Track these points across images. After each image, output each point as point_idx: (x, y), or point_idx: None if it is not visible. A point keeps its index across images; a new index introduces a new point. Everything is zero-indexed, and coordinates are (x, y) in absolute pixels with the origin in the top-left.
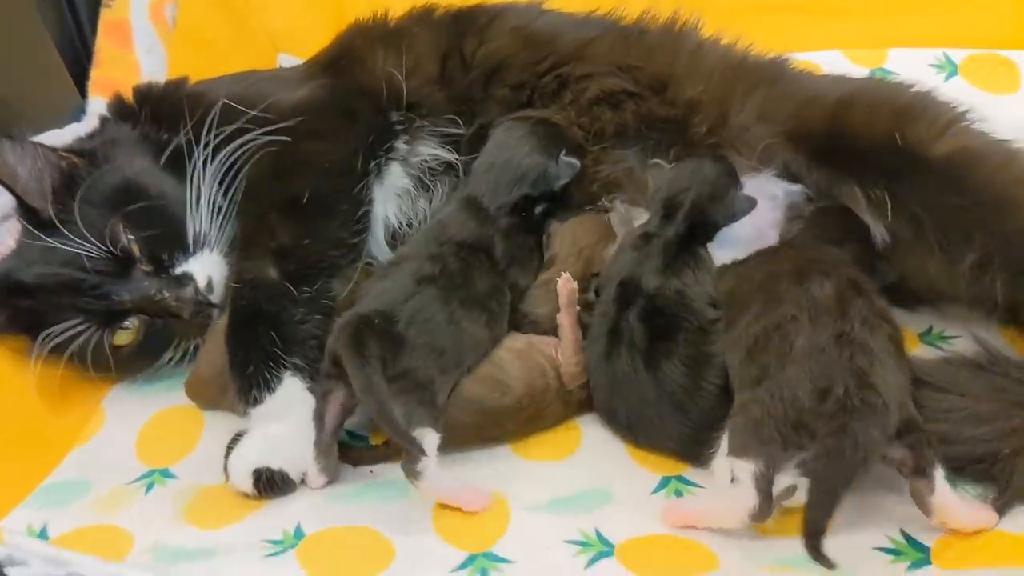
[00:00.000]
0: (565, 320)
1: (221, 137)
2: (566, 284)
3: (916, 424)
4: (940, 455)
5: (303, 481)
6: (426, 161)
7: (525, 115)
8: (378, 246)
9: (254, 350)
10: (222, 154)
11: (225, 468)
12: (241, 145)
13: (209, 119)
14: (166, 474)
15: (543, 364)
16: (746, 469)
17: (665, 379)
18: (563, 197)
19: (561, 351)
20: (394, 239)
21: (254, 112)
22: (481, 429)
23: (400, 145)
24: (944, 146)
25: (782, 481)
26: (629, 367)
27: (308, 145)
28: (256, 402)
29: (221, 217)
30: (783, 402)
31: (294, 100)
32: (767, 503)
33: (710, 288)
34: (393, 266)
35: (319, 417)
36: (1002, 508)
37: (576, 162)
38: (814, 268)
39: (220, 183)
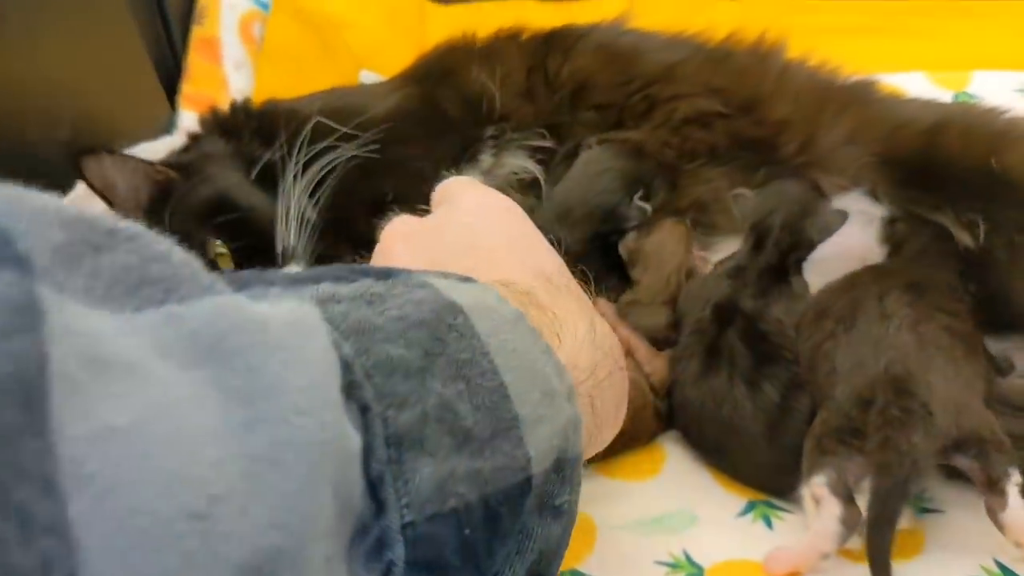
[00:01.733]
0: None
1: (313, 152)
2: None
3: (982, 432)
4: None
5: None
6: (515, 173)
7: (612, 138)
8: None
9: None
10: (313, 168)
11: None
12: (332, 160)
13: (302, 135)
14: None
15: (636, 378)
16: (821, 483)
17: (765, 402)
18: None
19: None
20: None
21: (345, 129)
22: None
23: (486, 158)
24: None
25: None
26: (727, 386)
27: (395, 150)
28: None
29: (309, 231)
30: (837, 416)
31: (384, 111)
32: (852, 507)
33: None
34: None
35: None
36: None
37: (647, 207)
38: (868, 275)
39: (310, 196)
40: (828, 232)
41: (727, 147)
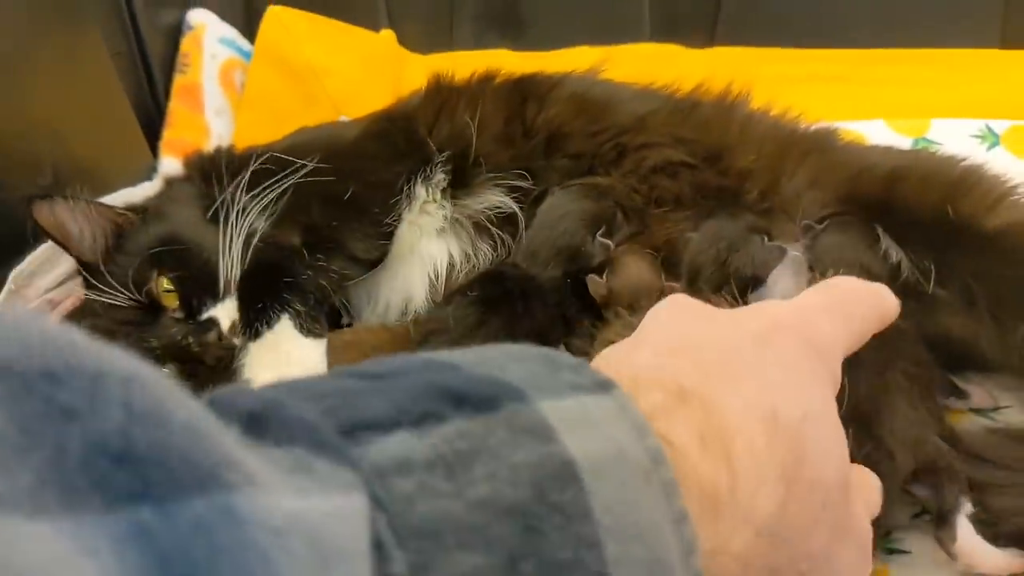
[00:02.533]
0: None
1: (257, 190)
2: None
3: (936, 463)
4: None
5: None
6: (492, 208)
7: (576, 183)
8: (430, 300)
9: (264, 293)
10: (256, 192)
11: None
12: (276, 182)
13: (251, 170)
14: None
15: None
16: None
17: None
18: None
19: None
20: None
21: (305, 161)
22: None
23: (458, 193)
24: (997, 219)
25: None
26: None
27: (359, 163)
28: (256, 335)
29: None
30: None
31: (350, 138)
32: None
33: None
34: (456, 293)
35: None
36: None
37: (609, 243)
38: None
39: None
40: (761, 267)
41: (692, 196)
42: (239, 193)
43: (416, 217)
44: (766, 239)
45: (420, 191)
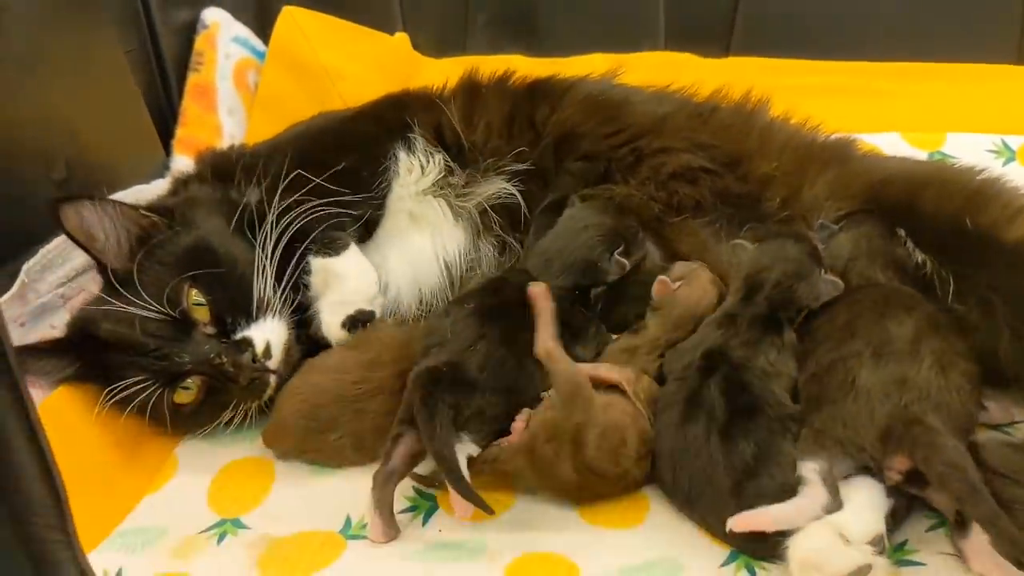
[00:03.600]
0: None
1: (288, 203)
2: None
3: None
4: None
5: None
6: (496, 196)
7: (599, 192)
8: (440, 289)
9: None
10: (288, 219)
11: (321, 332)
12: (309, 211)
13: (281, 185)
14: (238, 524)
15: (648, 428)
16: (812, 468)
17: (736, 459)
18: (620, 285)
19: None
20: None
21: (320, 180)
22: (572, 490)
23: (452, 181)
24: (1016, 231)
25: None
26: (702, 438)
27: (351, 139)
28: (306, 288)
29: (285, 283)
30: (845, 428)
31: (345, 118)
32: (836, 497)
33: (792, 372)
34: (457, 303)
35: (385, 454)
36: None
37: (626, 262)
38: (897, 303)
39: (287, 249)
40: (818, 299)
41: (712, 202)
42: (273, 206)
43: (418, 204)
44: (824, 272)
45: (403, 156)
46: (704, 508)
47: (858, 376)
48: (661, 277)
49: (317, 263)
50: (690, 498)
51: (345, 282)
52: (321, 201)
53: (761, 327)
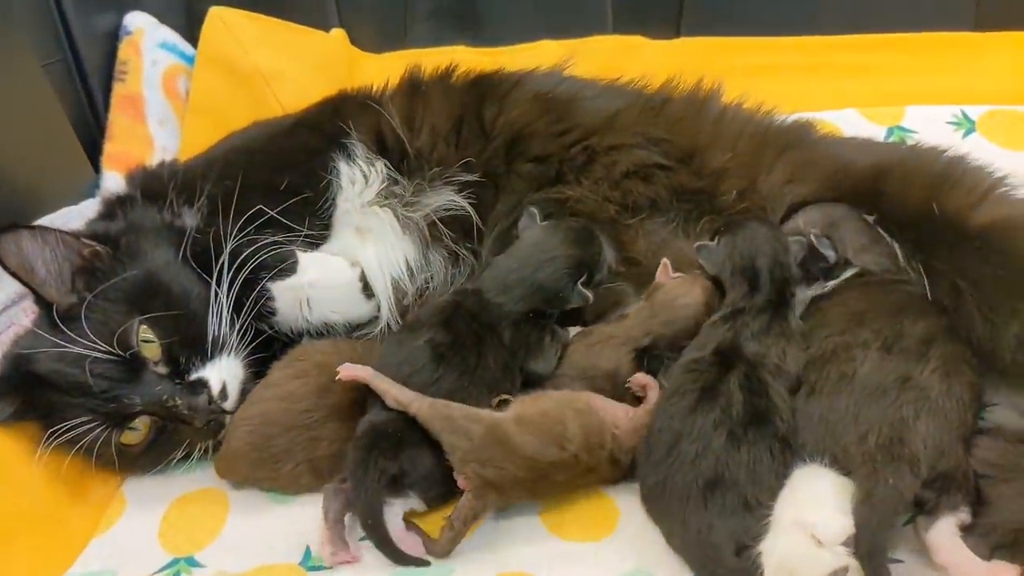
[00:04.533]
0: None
1: (243, 236)
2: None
3: (954, 474)
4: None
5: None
6: (445, 209)
7: (554, 196)
8: (391, 305)
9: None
10: (239, 249)
11: None
12: (260, 241)
13: (232, 213)
14: (191, 562)
15: (602, 429)
16: None
17: (731, 462)
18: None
19: (633, 414)
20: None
21: (263, 206)
22: (534, 484)
23: (397, 191)
24: (983, 215)
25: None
26: (710, 430)
27: (291, 156)
28: (271, 314)
29: (242, 319)
30: (825, 425)
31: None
32: None
33: (799, 368)
34: (408, 332)
35: (326, 498)
36: None
37: (589, 295)
38: (914, 305)
39: (244, 283)
40: (796, 262)
41: (668, 200)
42: (228, 239)
43: (364, 217)
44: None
45: (343, 167)
46: (672, 498)
47: (859, 370)
48: (664, 260)
49: (279, 287)
50: (663, 484)
51: (325, 289)
52: (268, 235)
53: (769, 315)
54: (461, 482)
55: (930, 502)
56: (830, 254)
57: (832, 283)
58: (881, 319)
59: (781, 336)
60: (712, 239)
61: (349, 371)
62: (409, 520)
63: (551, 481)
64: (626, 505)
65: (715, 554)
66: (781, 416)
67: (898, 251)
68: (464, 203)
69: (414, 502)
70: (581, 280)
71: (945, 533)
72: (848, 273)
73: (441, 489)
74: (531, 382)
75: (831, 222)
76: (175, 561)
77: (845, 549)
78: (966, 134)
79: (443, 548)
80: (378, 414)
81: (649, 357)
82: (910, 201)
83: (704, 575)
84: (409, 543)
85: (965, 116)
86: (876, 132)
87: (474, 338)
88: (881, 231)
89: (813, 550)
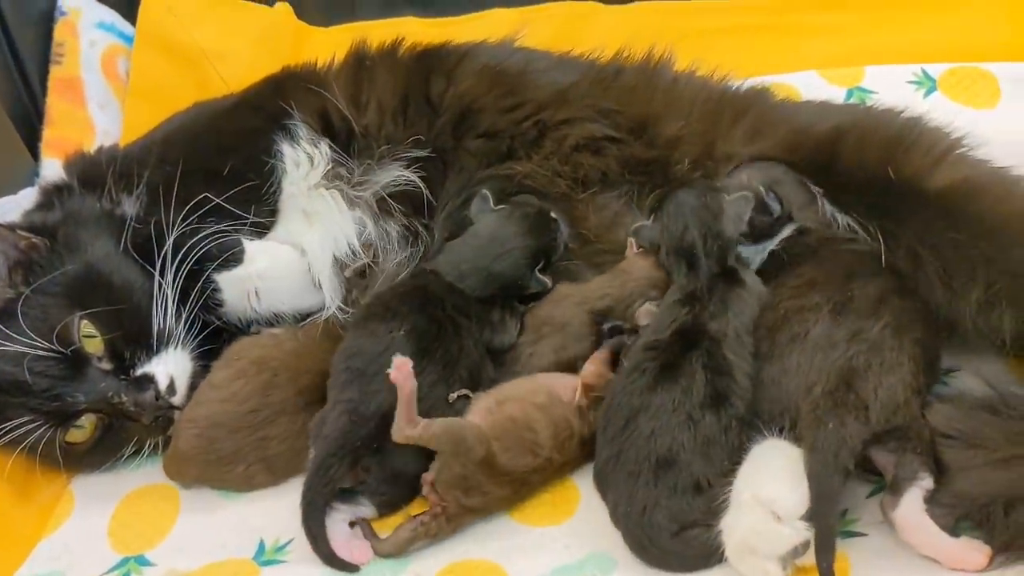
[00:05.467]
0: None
1: (187, 226)
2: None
3: (907, 431)
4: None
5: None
6: (394, 184)
7: (503, 174)
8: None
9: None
10: (183, 239)
11: None
12: (204, 230)
13: (173, 201)
14: (142, 561)
15: (567, 417)
16: None
17: (687, 442)
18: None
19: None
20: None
21: (207, 193)
22: (513, 496)
23: (343, 173)
24: (941, 178)
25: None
26: (668, 409)
27: (232, 139)
28: (218, 306)
29: (188, 310)
30: (777, 388)
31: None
32: None
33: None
34: (379, 320)
35: None
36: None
37: (548, 282)
38: (868, 266)
39: (189, 274)
40: (742, 220)
41: (619, 172)
42: (171, 228)
43: (310, 200)
44: (727, 196)
45: (287, 150)
46: (622, 472)
47: (811, 331)
48: (631, 239)
49: (226, 278)
50: (616, 458)
51: (275, 280)
52: (212, 224)
53: (720, 290)
54: (432, 500)
55: (889, 470)
56: (776, 207)
57: (776, 239)
58: (833, 284)
59: (739, 300)
60: (649, 216)
61: (403, 375)
62: (358, 520)
63: (529, 485)
64: (587, 488)
65: (653, 534)
66: (741, 395)
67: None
68: (414, 177)
69: (365, 510)
70: (539, 267)
71: (911, 509)
72: (788, 230)
73: (399, 494)
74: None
75: (774, 179)
76: (125, 560)
77: (805, 524)
78: (927, 93)
79: (390, 548)
80: (346, 412)
81: (610, 328)
82: (867, 164)
83: (637, 551)
84: (353, 547)
85: (926, 75)
86: (836, 94)
87: (452, 325)
88: (816, 193)
89: (772, 526)
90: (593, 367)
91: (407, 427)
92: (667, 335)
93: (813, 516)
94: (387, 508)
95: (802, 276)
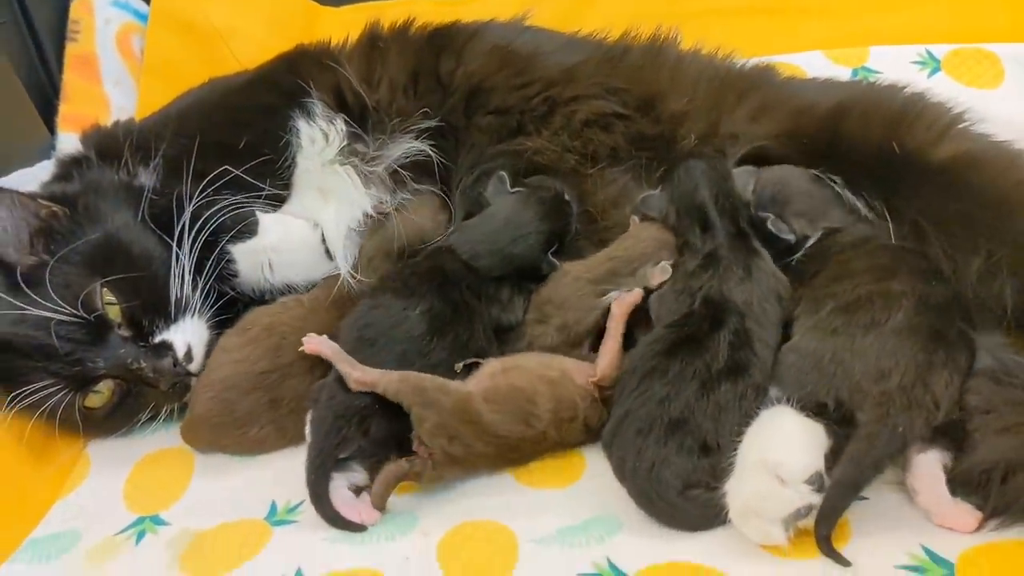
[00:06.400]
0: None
1: (204, 198)
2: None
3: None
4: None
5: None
6: (406, 156)
7: (536, 187)
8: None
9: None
10: (206, 217)
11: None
12: (221, 201)
13: (190, 174)
14: (157, 521)
15: (574, 399)
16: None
17: (696, 408)
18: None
19: (599, 362)
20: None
21: (240, 172)
22: (499, 458)
23: (359, 148)
24: (943, 151)
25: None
26: (687, 376)
27: (247, 115)
28: (233, 276)
29: (204, 280)
30: (838, 366)
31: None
32: None
33: (781, 291)
34: (393, 295)
35: None
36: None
37: (558, 263)
38: (935, 274)
39: (204, 245)
40: (747, 190)
41: (627, 148)
42: (188, 201)
43: (325, 176)
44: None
45: (303, 126)
46: (631, 428)
47: (893, 316)
48: (633, 216)
49: (240, 249)
50: (626, 415)
51: (287, 252)
52: (228, 196)
53: (743, 251)
54: (422, 452)
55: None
56: (788, 238)
57: (801, 251)
58: (910, 276)
59: (759, 274)
60: (657, 188)
61: (314, 344)
62: (364, 486)
63: (520, 452)
64: (592, 453)
65: (661, 489)
66: (760, 366)
67: (856, 203)
68: (424, 146)
69: (358, 476)
70: (552, 250)
71: (932, 463)
72: (814, 239)
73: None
74: (500, 331)
75: (782, 199)
76: (140, 520)
77: (809, 487)
78: (931, 73)
79: (379, 487)
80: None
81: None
82: (870, 139)
83: (644, 504)
84: (360, 509)
85: (930, 55)
86: (841, 73)
87: (466, 308)
88: (836, 187)
89: (777, 489)
90: (606, 360)
91: (354, 371)
92: (697, 305)
93: (830, 495)
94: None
95: (875, 259)
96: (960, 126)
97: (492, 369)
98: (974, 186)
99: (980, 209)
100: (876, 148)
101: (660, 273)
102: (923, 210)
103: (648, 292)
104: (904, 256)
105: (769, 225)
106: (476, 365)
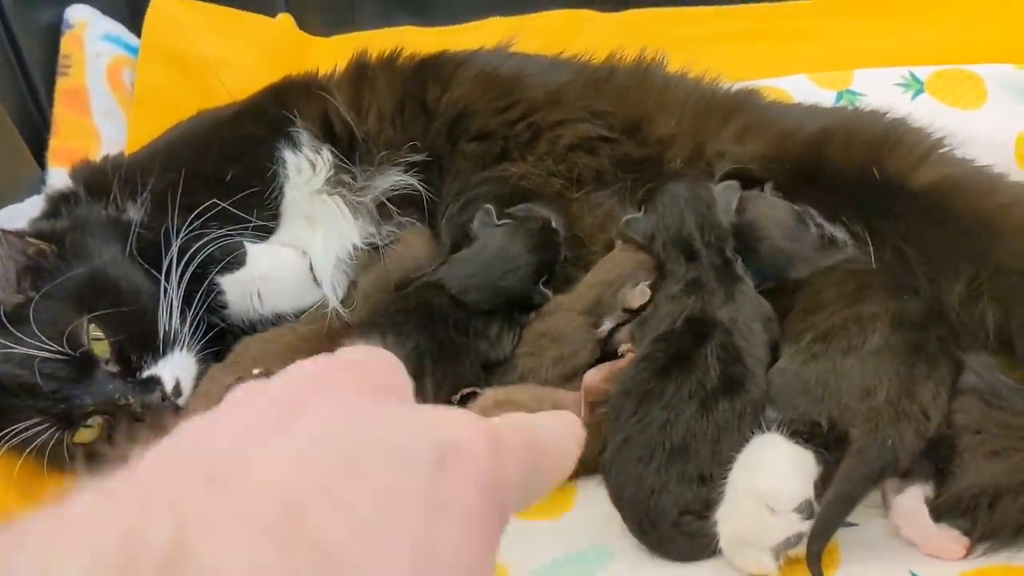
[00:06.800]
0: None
1: (190, 232)
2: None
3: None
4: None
5: None
6: (393, 189)
7: (524, 218)
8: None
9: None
10: (195, 249)
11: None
12: (216, 239)
13: (178, 207)
14: None
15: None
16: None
17: (697, 431)
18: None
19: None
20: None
21: (227, 205)
22: None
23: (346, 179)
24: (924, 176)
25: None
26: (683, 398)
27: (234, 146)
28: (222, 308)
29: (193, 313)
30: (824, 388)
31: (224, 122)
32: None
33: (767, 313)
34: (386, 326)
35: None
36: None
37: (549, 294)
38: (908, 288)
39: (193, 278)
40: (731, 208)
41: (613, 172)
42: (176, 237)
43: (312, 205)
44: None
45: (289, 156)
46: (631, 454)
47: (870, 339)
48: (617, 241)
49: (229, 280)
50: (626, 441)
51: (276, 281)
52: (215, 228)
53: (727, 279)
54: None
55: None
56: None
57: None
58: (880, 296)
59: (743, 299)
60: (639, 209)
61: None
62: None
63: None
64: (583, 483)
65: (657, 517)
66: (755, 382)
67: (836, 233)
68: (412, 180)
69: None
70: (543, 279)
71: (913, 500)
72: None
73: None
74: (488, 366)
75: (759, 236)
76: None
77: (799, 516)
78: (915, 95)
79: None
80: None
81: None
82: (852, 166)
83: (637, 534)
84: None
85: (914, 77)
86: (825, 97)
87: (452, 345)
88: (809, 217)
89: (766, 518)
90: (599, 372)
91: None
92: (678, 324)
93: (824, 512)
94: None
95: (840, 287)
96: (941, 151)
97: (484, 403)
98: (954, 211)
99: (960, 234)
100: (859, 172)
101: (639, 296)
102: (905, 235)
103: (630, 313)
104: (870, 277)
105: (736, 268)
106: (473, 395)
